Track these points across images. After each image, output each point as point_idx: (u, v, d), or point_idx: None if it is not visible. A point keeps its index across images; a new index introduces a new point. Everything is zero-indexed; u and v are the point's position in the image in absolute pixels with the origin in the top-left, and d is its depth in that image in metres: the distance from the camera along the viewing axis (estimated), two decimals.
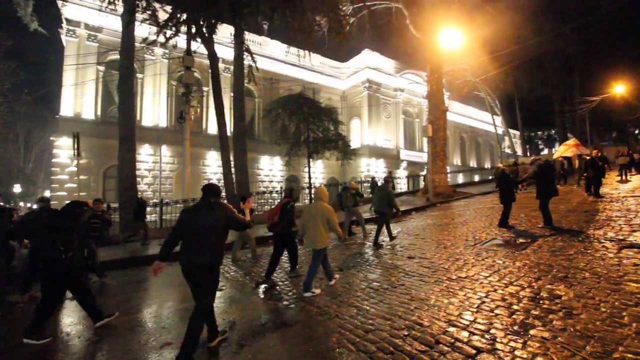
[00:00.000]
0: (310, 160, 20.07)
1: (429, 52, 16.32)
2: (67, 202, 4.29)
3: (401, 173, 27.84)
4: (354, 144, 26.97)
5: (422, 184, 19.30)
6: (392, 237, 7.65)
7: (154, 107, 20.23)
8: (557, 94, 27.02)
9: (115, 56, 16.48)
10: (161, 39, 11.58)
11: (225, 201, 14.58)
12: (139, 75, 19.60)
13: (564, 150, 17.92)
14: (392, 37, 19.50)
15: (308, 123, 19.31)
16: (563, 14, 23.84)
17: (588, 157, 11.29)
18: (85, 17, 18.21)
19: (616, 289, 3.58)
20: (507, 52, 20.35)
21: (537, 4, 21.21)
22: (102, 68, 18.79)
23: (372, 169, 27.34)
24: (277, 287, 5.18)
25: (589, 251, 5.05)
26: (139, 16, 11.50)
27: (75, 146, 11.01)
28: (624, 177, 14.24)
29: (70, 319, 4.47)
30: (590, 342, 2.62)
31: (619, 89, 25.77)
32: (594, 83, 27.19)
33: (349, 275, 5.38)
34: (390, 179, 9.03)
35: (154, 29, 11.37)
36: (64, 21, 18.15)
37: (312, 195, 6.47)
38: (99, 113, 18.77)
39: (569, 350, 2.53)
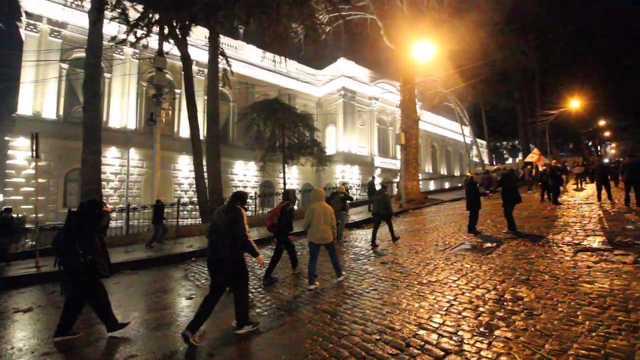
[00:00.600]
0: (286, 166, 20.00)
1: (402, 63, 16.86)
2: (84, 202, 4.01)
3: (375, 180, 28.34)
4: (329, 150, 27.21)
5: (395, 190, 19.74)
6: (395, 238, 7.82)
7: (122, 108, 19.40)
8: (520, 107, 28.76)
9: (81, 54, 15.70)
10: (131, 38, 11.18)
11: (198, 206, 14.22)
12: (106, 75, 18.77)
13: (533, 158, 18.87)
14: (367, 47, 20.02)
15: (283, 129, 19.28)
16: (525, 33, 25.49)
17: (546, 167, 12.08)
18: (47, 11, 17.26)
19: (572, 290, 3.82)
20: (474, 66, 21.45)
21: (501, 22, 22.56)
22: (65, 66, 17.83)
23: (346, 175, 27.65)
24: (250, 295, 5.07)
25: (548, 255, 5.36)
26: (108, 14, 11.05)
27: (34, 147, 10.29)
28: (579, 185, 15.31)
29: (24, 332, 4.13)
30: (548, 341, 2.76)
31: (574, 104, 27.84)
32: (552, 97, 29.21)
33: (324, 281, 5.37)
34: (387, 184, 9.30)
35: (124, 27, 10.96)
36: (23, 14, 17.09)
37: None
38: (61, 113, 17.73)
39: (530, 349, 2.66)
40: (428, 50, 14.02)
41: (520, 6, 23.64)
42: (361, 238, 9.00)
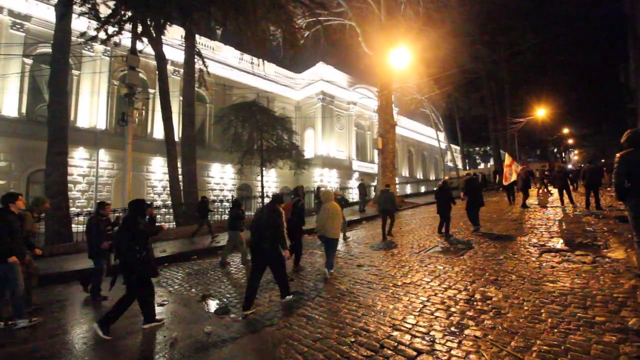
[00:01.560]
0: (264, 169, 19.81)
1: (379, 69, 17.19)
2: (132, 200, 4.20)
3: (353, 183, 28.61)
4: (308, 154, 27.22)
5: (373, 194, 20.00)
6: (390, 233, 8.80)
7: (91, 107, 18.55)
8: (491, 114, 29.96)
9: (47, 49, 14.91)
10: (102, 35, 10.73)
11: (172, 210, 13.81)
12: (74, 72, 17.90)
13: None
14: (345, 52, 20.25)
15: (261, 131, 19.12)
16: (495, 44, 26.70)
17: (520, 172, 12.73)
18: (9, 2, 16.24)
19: (537, 289, 4.00)
20: (448, 74, 22.21)
21: (473, 33, 23.52)
22: (29, 61, 16.84)
23: (325, 179, 27.74)
24: (225, 300, 4.97)
25: (515, 256, 5.60)
26: (77, 8, 10.56)
27: None
28: (542, 190, 16.12)
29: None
30: (514, 338, 2.88)
31: (541, 112, 29.41)
32: (521, 106, 30.70)
33: (299, 285, 5.34)
34: (389, 185, 10.02)
35: (95, 23, 10.50)
36: None
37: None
38: (24, 110, 16.72)
39: (497, 347, 2.76)
40: (404, 58, 14.38)
41: (491, 19, 24.74)
42: (349, 240, 9.03)
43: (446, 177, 11.02)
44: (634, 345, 2.55)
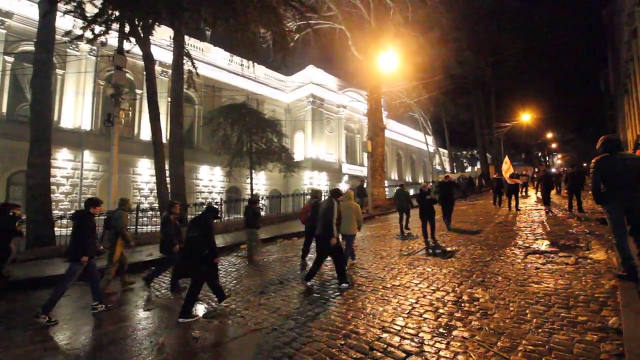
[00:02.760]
0: (253, 171, 19.70)
1: (369, 73, 17.35)
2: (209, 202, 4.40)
3: (343, 186, 28.70)
4: (298, 156, 27.20)
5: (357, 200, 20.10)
6: (407, 227, 9.70)
7: (76, 107, 18.13)
8: (478, 119, 30.60)
9: (30, 47, 14.52)
10: (88, 34, 10.50)
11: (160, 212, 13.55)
12: (59, 71, 17.48)
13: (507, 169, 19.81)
14: (335, 55, 20.40)
15: (251, 134, 19.02)
16: (481, 50, 27.32)
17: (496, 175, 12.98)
18: None
19: (522, 290, 4.09)
20: (436, 79, 22.59)
21: (461, 39, 24.02)
22: (10, 59, 16.36)
23: (314, 181, 27.74)
24: (213, 304, 4.91)
25: (502, 258, 5.70)
26: (62, 6, 10.32)
27: None
28: (524, 193, 16.48)
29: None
30: (501, 338, 2.93)
31: (526, 117, 30.19)
32: (507, 111, 31.47)
33: (290, 288, 5.32)
34: (404, 184, 10.88)
35: (80, 21, 10.27)
36: None
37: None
38: (4, 110, 16.22)
39: (484, 347, 2.81)
40: (393, 62, 14.57)
41: (478, 26, 25.34)
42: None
43: (423, 183, 11.40)
44: (613, 343, 2.63)
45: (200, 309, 4.69)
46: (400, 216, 9.65)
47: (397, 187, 10.64)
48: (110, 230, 6.05)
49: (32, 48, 11.73)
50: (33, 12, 12.78)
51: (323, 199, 6.73)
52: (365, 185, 16.10)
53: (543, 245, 6.27)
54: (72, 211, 15.33)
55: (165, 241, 5.98)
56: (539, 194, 13.98)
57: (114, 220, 5.94)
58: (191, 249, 4.47)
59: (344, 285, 4.96)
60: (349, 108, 32.09)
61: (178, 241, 5.94)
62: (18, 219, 5.61)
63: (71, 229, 4.86)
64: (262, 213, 8.35)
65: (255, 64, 15.48)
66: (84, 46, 17.49)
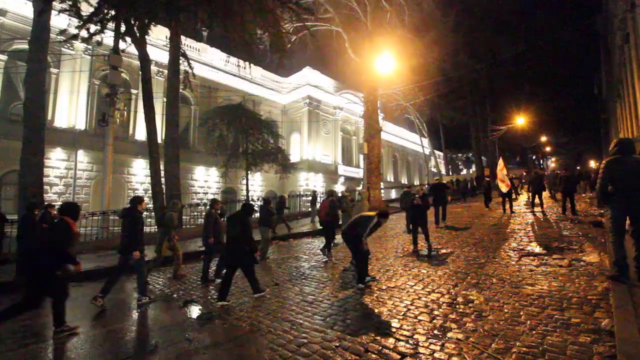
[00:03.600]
0: (249, 172, 19.62)
1: (365, 75, 17.41)
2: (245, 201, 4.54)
3: (339, 188, 28.71)
4: (294, 158, 27.15)
5: (358, 198, 20.11)
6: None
7: (70, 107, 17.96)
8: (473, 122, 30.79)
9: (24, 45, 14.35)
10: (84, 34, 10.42)
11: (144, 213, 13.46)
12: (53, 70, 17.31)
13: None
14: (332, 57, 20.44)
15: (247, 135, 18.95)
16: (477, 54, 27.55)
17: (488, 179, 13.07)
18: None
19: (516, 292, 4.11)
20: (432, 82, 22.71)
21: (456, 43, 24.18)
22: (4, 57, 16.19)
23: (310, 183, 27.72)
24: (208, 306, 4.88)
25: (496, 259, 5.74)
26: (57, 4, 10.24)
27: None
28: (515, 196, 16.57)
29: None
30: (495, 340, 2.95)
31: (520, 121, 30.42)
32: (502, 114, 31.71)
33: (285, 289, 5.30)
34: (410, 187, 11.90)
35: (76, 20, 10.19)
36: None
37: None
38: None
39: (478, 349, 2.82)
40: (390, 64, 14.64)
41: (473, 30, 25.53)
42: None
43: (410, 188, 12.00)
44: (606, 345, 2.66)
45: (194, 311, 4.66)
46: (407, 216, 9.60)
47: (404, 189, 11.42)
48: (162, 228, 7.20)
49: (26, 46, 11.60)
50: (27, 10, 12.66)
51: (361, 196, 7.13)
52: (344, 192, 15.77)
53: (537, 247, 6.32)
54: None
55: (206, 234, 6.58)
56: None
57: (168, 219, 6.84)
58: (234, 243, 4.95)
59: (363, 285, 5.00)
60: (345, 110, 32.15)
61: (219, 234, 6.56)
62: None
63: (120, 226, 5.47)
64: (258, 215, 8.35)
65: (252, 65, 15.39)
66: (79, 45, 17.33)
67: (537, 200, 11.39)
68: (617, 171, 3.84)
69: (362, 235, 5.11)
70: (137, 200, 5.40)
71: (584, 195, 15.02)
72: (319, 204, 9.38)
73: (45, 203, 9.20)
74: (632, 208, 3.77)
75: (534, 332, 3.04)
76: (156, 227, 13.09)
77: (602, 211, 8.91)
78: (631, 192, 3.73)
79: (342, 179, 30.52)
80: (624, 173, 3.78)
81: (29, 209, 7.14)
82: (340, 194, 12.96)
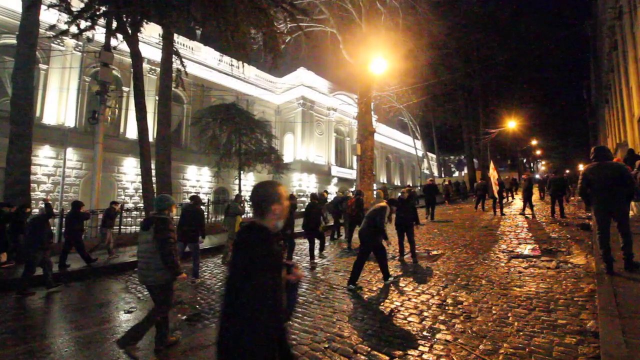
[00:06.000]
0: (241, 172, 19.51)
1: (359, 77, 17.45)
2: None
3: (332, 189, 28.70)
4: (287, 158, 27.07)
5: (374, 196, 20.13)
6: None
7: (60, 103, 17.65)
8: (466, 125, 31.09)
9: (12, 40, 14.07)
10: (74, 29, 10.25)
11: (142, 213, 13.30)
12: (42, 66, 16.99)
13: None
14: (326, 58, 20.43)
15: (240, 134, 18.83)
16: (469, 58, 27.85)
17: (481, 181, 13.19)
18: None
19: (505, 294, 4.15)
20: (425, 84, 22.89)
21: (450, 46, 24.42)
22: None
23: (303, 183, 27.69)
24: (198, 307, 4.83)
25: (486, 261, 5.79)
26: None
27: None
28: (507, 199, 16.81)
29: None
30: (483, 341, 2.97)
31: (511, 124, 30.82)
32: (493, 117, 32.07)
33: None
34: (412, 188, 11.30)
35: (66, 16, 10.01)
36: None
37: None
38: None
39: (466, 350, 2.83)
40: (384, 66, 14.70)
41: (466, 33, 25.80)
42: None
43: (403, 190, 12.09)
44: (591, 346, 2.69)
45: (184, 312, 4.60)
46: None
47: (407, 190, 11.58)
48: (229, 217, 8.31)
49: (14, 41, 11.37)
50: (16, 4, 12.39)
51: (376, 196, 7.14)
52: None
53: (526, 249, 6.39)
54: (55, 210, 14.88)
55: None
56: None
57: (233, 208, 8.33)
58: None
59: (388, 281, 5.21)
60: (339, 111, 32.19)
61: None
62: None
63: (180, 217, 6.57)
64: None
65: (246, 64, 15.28)
66: (69, 41, 17.03)
67: (527, 208, 11.40)
68: (593, 176, 4.22)
69: (382, 225, 5.41)
70: (197, 200, 6.92)
71: (572, 198, 15.27)
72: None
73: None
74: (610, 207, 4.13)
75: (521, 333, 3.07)
76: (140, 227, 12.94)
77: (589, 214, 9.08)
78: (606, 194, 4.10)
79: (335, 180, 30.55)
80: (600, 177, 4.15)
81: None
82: (344, 194, 13.17)
